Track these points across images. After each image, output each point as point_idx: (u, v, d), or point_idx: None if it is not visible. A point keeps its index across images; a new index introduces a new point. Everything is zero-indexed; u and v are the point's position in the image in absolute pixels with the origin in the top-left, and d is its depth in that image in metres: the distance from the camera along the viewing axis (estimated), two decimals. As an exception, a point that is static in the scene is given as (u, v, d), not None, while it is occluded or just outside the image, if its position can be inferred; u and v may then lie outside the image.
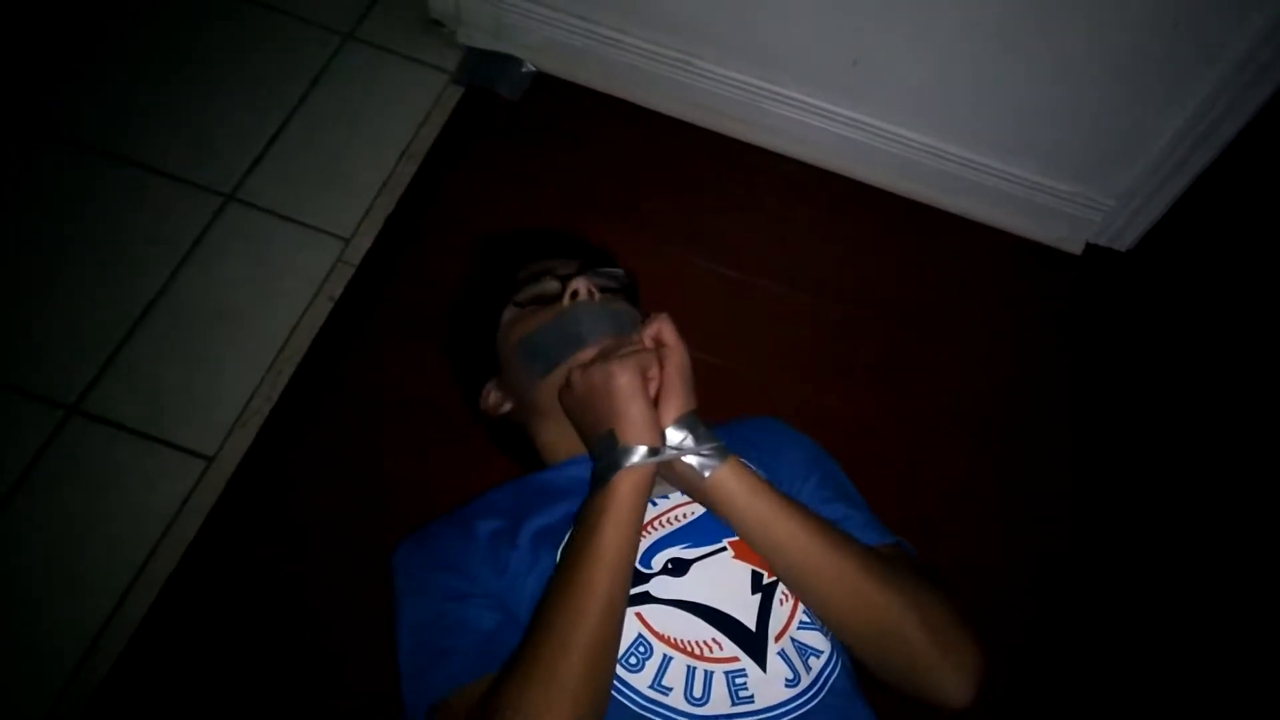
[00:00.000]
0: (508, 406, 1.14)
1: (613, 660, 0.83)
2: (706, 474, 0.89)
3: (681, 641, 0.89)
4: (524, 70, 1.75)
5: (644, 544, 0.94)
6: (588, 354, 1.00)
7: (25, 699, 1.16)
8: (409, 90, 1.72)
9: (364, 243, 1.55)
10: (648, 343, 0.95)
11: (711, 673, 0.87)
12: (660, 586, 0.91)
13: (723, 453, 0.90)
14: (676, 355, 0.93)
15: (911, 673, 0.88)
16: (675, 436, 0.89)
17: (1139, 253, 1.74)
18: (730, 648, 0.89)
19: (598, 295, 1.06)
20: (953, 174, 1.67)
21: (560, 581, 0.85)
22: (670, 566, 0.93)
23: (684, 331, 1.47)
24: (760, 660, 0.89)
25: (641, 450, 0.87)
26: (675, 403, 0.90)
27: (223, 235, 1.52)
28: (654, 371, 0.92)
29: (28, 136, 1.56)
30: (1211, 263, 1.78)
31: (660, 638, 0.89)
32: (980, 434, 1.54)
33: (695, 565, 0.92)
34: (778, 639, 0.90)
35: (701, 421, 0.91)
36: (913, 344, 1.60)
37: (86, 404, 1.35)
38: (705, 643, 0.89)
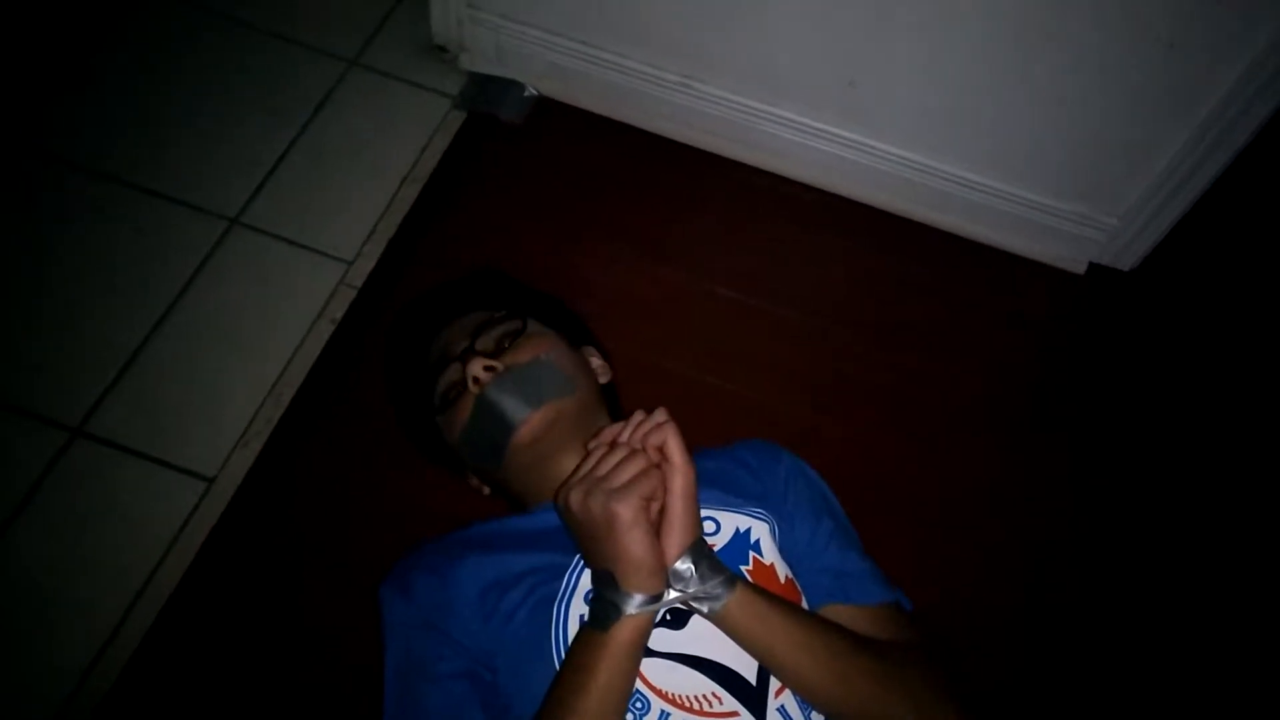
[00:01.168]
0: (487, 490, 1.16)
1: None
2: (713, 611, 0.85)
3: (680, 697, 0.87)
4: (525, 94, 1.77)
5: None
6: (529, 426, 0.99)
7: (28, 716, 1.17)
8: (412, 115, 1.74)
9: (366, 266, 1.56)
10: (651, 454, 0.86)
11: None
12: (659, 640, 0.90)
13: (730, 583, 0.84)
14: (682, 478, 0.85)
15: None
16: (683, 572, 0.84)
17: (1142, 272, 1.73)
18: (730, 702, 0.87)
19: (499, 365, 1.02)
20: (952, 194, 1.67)
21: (552, 713, 0.83)
22: (669, 618, 0.91)
23: (681, 352, 1.52)
24: (760, 715, 0.88)
25: (640, 599, 0.82)
26: (680, 535, 0.84)
27: (227, 259, 1.54)
28: (658, 492, 0.85)
29: (33, 160, 1.59)
30: (1216, 281, 1.77)
31: (658, 693, 0.88)
32: (981, 454, 1.53)
33: (695, 617, 0.91)
34: (778, 694, 0.89)
35: (707, 551, 0.86)
36: (913, 365, 1.60)
37: (90, 426, 1.37)
38: (704, 697, 0.88)
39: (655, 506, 0.85)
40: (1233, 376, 1.66)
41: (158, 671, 1.21)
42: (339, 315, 1.51)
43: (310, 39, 1.79)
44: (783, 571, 0.98)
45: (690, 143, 1.75)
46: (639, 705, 0.87)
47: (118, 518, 1.31)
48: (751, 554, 0.97)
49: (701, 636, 0.90)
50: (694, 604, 0.85)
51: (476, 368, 1.01)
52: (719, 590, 0.84)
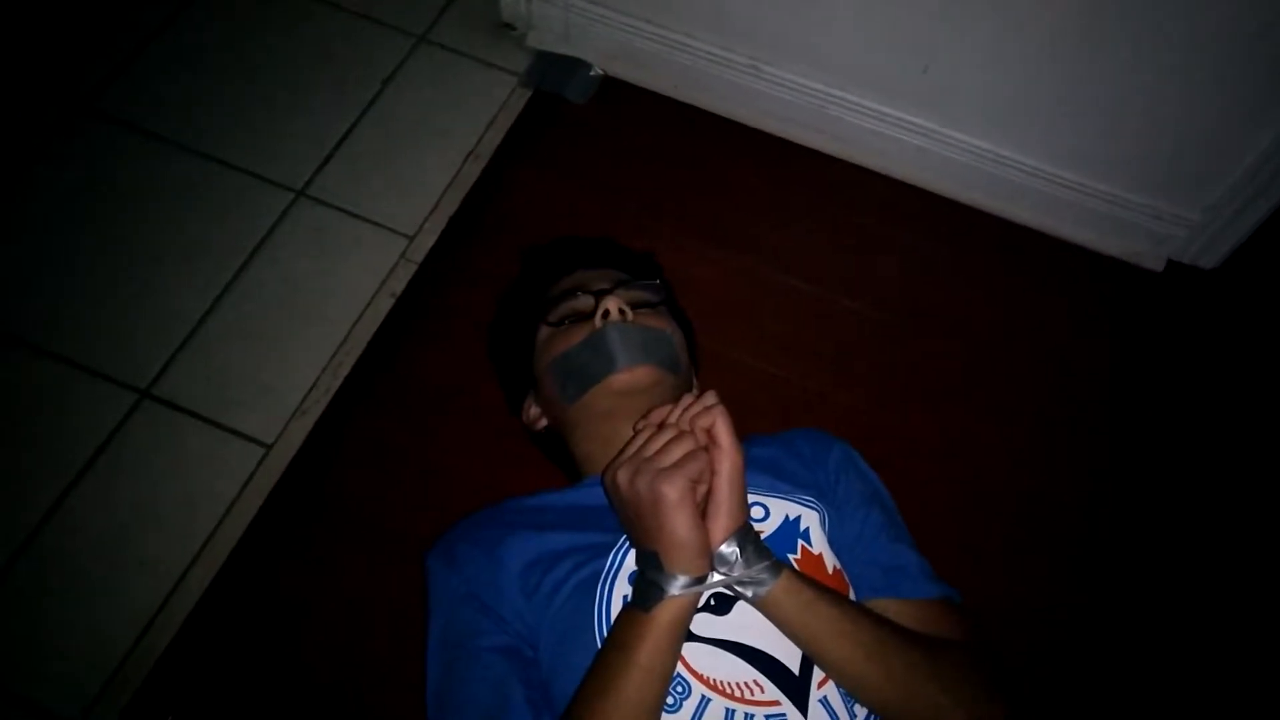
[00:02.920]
0: (544, 422, 1.14)
1: None
2: (758, 597, 0.84)
3: (721, 683, 0.87)
4: (592, 74, 1.76)
5: None
6: (631, 374, 1.00)
7: (85, 671, 1.21)
8: (478, 92, 1.74)
9: (427, 241, 1.57)
10: (699, 436, 0.86)
11: (751, 716, 0.85)
12: (703, 624, 0.89)
13: (775, 569, 0.84)
14: (729, 461, 0.84)
15: None
16: (728, 556, 0.83)
17: (1225, 271, 1.65)
18: (772, 691, 0.86)
19: (630, 314, 1.03)
20: (1024, 184, 1.62)
21: (588, 695, 0.83)
22: (713, 603, 0.90)
23: (741, 340, 1.50)
24: (802, 706, 0.86)
25: (685, 580, 0.82)
26: (727, 518, 0.84)
27: (291, 230, 1.56)
28: (705, 476, 0.84)
29: (104, 127, 1.62)
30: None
31: (699, 678, 0.87)
32: (1051, 451, 1.49)
33: (740, 602, 0.90)
34: (821, 685, 0.88)
35: (753, 533, 0.86)
36: (979, 360, 1.56)
37: (157, 389, 1.40)
38: (746, 684, 0.87)
39: (702, 489, 0.85)
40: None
41: (212, 630, 1.25)
42: (399, 289, 1.52)
43: (380, 14, 1.80)
44: (831, 562, 0.96)
45: (757, 126, 1.73)
46: (679, 689, 0.86)
47: (180, 479, 1.34)
48: (800, 543, 0.96)
49: (746, 624, 0.89)
50: (738, 588, 0.85)
51: (613, 304, 1.03)
52: (764, 575, 0.84)
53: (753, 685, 0.86)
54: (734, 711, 0.85)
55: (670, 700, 0.85)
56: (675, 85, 1.74)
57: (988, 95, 1.54)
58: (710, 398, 0.88)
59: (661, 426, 0.89)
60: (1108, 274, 1.67)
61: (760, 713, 0.85)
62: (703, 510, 0.84)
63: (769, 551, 0.85)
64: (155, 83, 1.68)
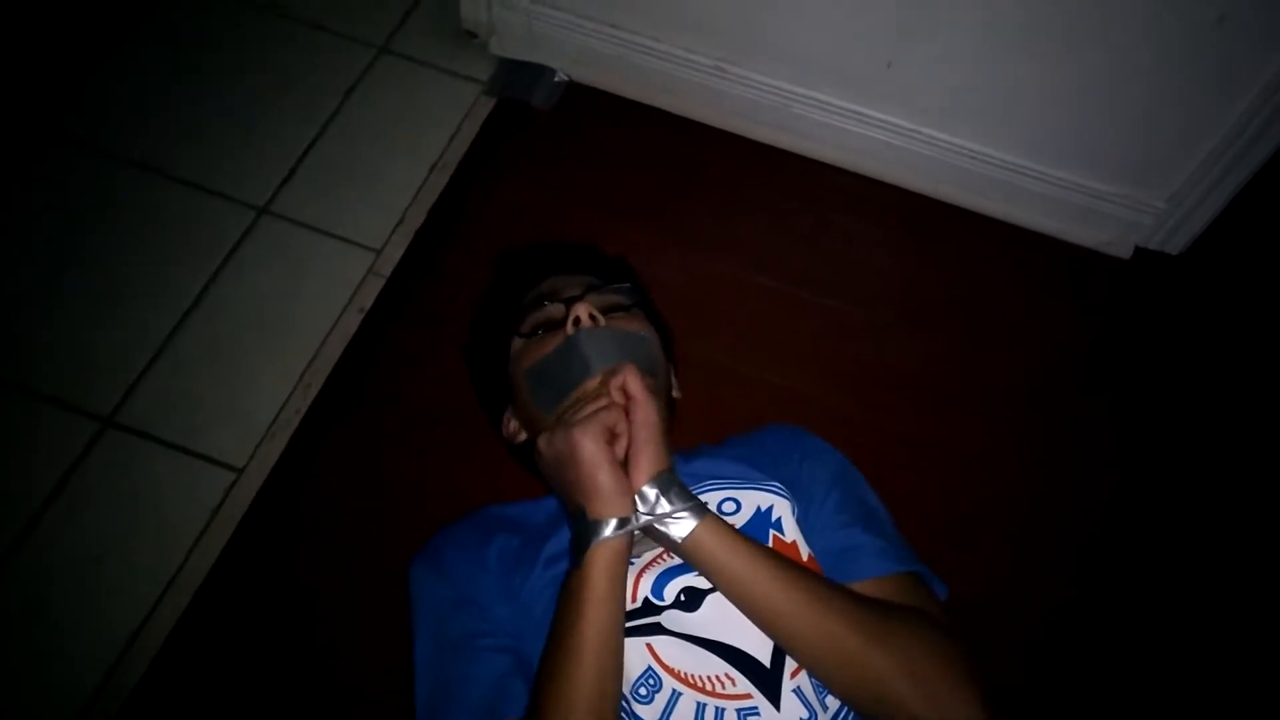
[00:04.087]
0: (524, 435, 1.12)
1: (614, 709, 0.83)
2: (681, 537, 0.85)
3: (692, 676, 0.87)
4: (556, 80, 1.75)
5: (655, 573, 0.92)
6: (593, 383, 0.98)
7: (57, 706, 1.17)
8: (442, 101, 1.72)
9: (395, 254, 1.55)
10: (614, 395, 0.91)
11: (723, 709, 0.85)
12: (672, 620, 0.89)
13: (699, 510, 0.86)
14: (643, 410, 0.88)
15: None
16: (648, 497, 0.86)
17: (1191, 255, 1.67)
18: (744, 684, 0.86)
19: (602, 320, 1.02)
20: (993, 177, 1.62)
21: (550, 661, 0.84)
22: (683, 599, 0.90)
23: (717, 339, 1.49)
24: (774, 698, 0.86)
25: (611, 524, 0.84)
26: (646, 463, 0.87)
27: (256, 248, 1.53)
28: (621, 427, 0.88)
29: (61, 146, 1.59)
30: (1268, 263, 1.70)
31: (670, 672, 0.87)
32: (1025, 441, 1.49)
33: (709, 598, 0.90)
34: (793, 675, 0.87)
35: (675, 479, 0.88)
36: (952, 352, 1.56)
37: (121, 416, 1.37)
38: (717, 678, 0.87)
39: (622, 443, 0.88)
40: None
41: (187, 660, 1.21)
42: (367, 305, 1.50)
43: (339, 26, 1.78)
44: (805, 551, 0.96)
45: (724, 127, 1.72)
46: (651, 682, 0.86)
47: (149, 507, 1.31)
48: (772, 532, 0.96)
49: (716, 618, 0.89)
50: (661, 528, 0.85)
51: (583, 310, 1.01)
52: (685, 514, 0.85)
53: (724, 679, 0.86)
54: (705, 705, 0.85)
55: (643, 693, 0.86)
56: (640, 88, 1.72)
57: (953, 89, 1.54)
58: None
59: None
60: (1078, 263, 1.68)
61: (732, 706, 0.85)
62: (625, 463, 0.87)
63: (693, 496, 0.87)
64: (109, 103, 1.65)
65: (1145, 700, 1.30)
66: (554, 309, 1.06)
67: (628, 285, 1.13)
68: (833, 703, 0.87)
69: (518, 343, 1.07)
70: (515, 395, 1.09)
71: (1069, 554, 1.40)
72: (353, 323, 1.48)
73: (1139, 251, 1.68)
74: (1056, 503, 1.44)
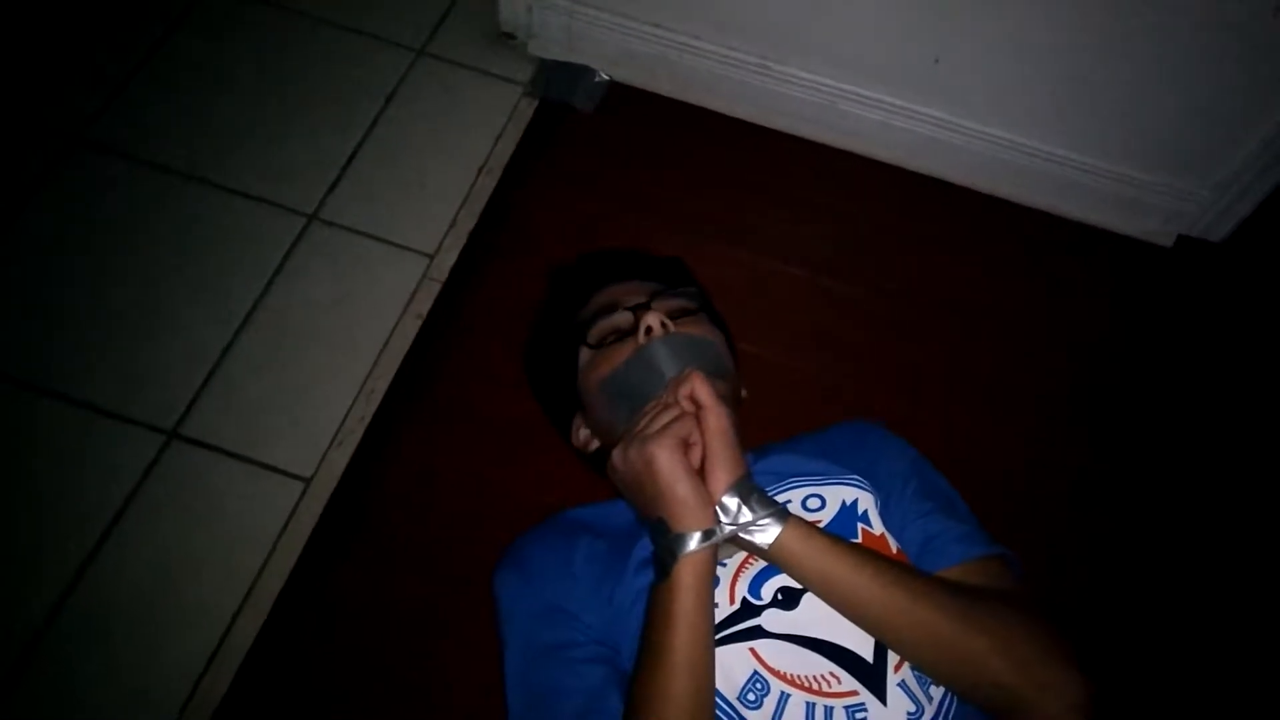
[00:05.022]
0: (596, 444, 1.12)
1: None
2: (767, 544, 0.86)
3: (798, 677, 0.87)
4: (598, 80, 1.74)
5: (750, 574, 0.93)
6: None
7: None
8: (483, 104, 1.72)
9: (448, 259, 1.54)
10: (684, 404, 0.90)
11: (832, 708, 0.85)
12: (772, 620, 0.90)
13: (781, 515, 0.86)
14: (715, 417, 0.87)
15: (1009, 709, 0.85)
16: (730, 506, 0.86)
17: (1233, 243, 1.69)
18: (849, 681, 0.87)
19: (672, 326, 1.02)
20: (1038, 170, 1.64)
21: (643, 676, 0.84)
22: (780, 598, 0.91)
23: (764, 337, 1.49)
24: (880, 693, 0.86)
25: (696, 536, 0.84)
26: (723, 471, 0.86)
27: (307, 255, 1.53)
28: (695, 437, 0.88)
29: (103, 158, 1.57)
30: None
31: (776, 674, 0.87)
32: (1068, 433, 1.50)
33: (806, 596, 0.90)
34: (897, 669, 0.88)
35: (754, 485, 0.88)
36: (998, 345, 1.57)
37: (184, 429, 1.36)
38: (823, 677, 0.87)
39: (696, 452, 0.88)
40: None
41: (271, 670, 1.21)
42: (424, 310, 1.49)
43: (375, 29, 1.77)
44: (894, 543, 0.96)
45: (769, 125, 1.72)
46: (759, 687, 0.86)
47: (219, 520, 1.30)
48: (860, 526, 0.96)
49: (816, 617, 0.89)
50: (746, 536, 0.85)
51: (654, 319, 1.01)
52: (769, 520, 0.85)
53: (829, 677, 0.87)
54: (814, 705, 0.85)
55: (751, 698, 0.86)
56: (683, 87, 1.73)
57: (999, 84, 1.55)
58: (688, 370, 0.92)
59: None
60: (1122, 252, 1.70)
61: (840, 704, 0.86)
62: (700, 471, 0.87)
63: (774, 501, 0.87)
64: (148, 111, 1.63)
65: (1149, 696, 1.31)
66: (622, 318, 1.06)
67: (693, 289, 1.13)
68: (936, 693, 0.88)
69: (586, 353, 1.07)
70: (587, 405, 1.09)
71: (1106, 541, 1.42)
72: (411, 328, 1.47)
73: (1181, 239, 1.70)
74: (1099, 488, 1.46)
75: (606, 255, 1.26)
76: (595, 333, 1.07)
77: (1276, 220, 1.64)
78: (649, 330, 1.01)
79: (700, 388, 0.89)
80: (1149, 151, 1.58)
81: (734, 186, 1.68)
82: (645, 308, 1.04)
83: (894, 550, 0.96)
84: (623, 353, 1.02)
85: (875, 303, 1.58)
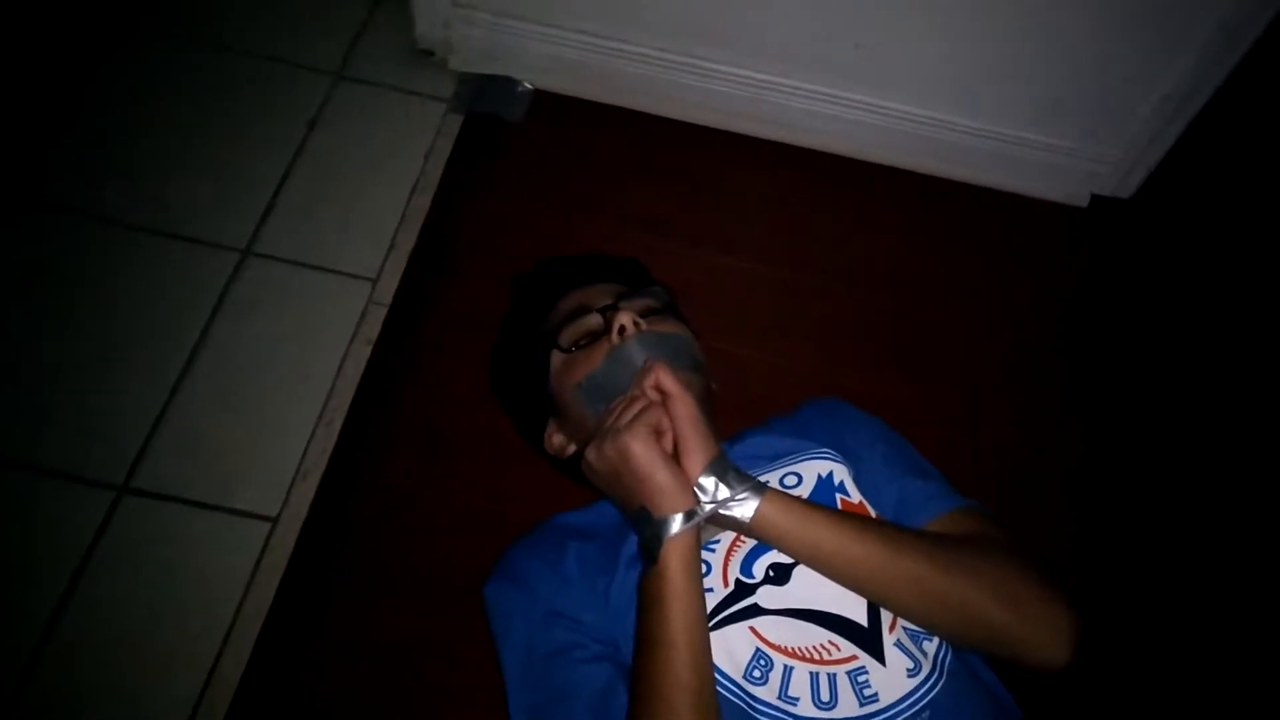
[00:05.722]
0: (573, 448, 1.12)
1: (713, 699, 0.84)
2: (749, 517, 0.87)
3: (799, 649, 0.89)
4: (522, 90, 1.74)
5: (741, 554, 0.94)
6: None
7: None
8: (409, 123, 1.70)
9: (392, 282, 1.52)
10: (650, 395, 0.91)
11: (835, 675, 0.87)
12: (767, 597, 0.91)
13: (759, 489, 0.87)
14: (683, 403, 0.89)
15: (1007, 650, 0.89)
16: (707, 486, 0.87)
17: (1141, 198, 1.77)
18: (848, 647, 0.89)
19: (644, 325, 1.02)
20: (962, 144, 1.70)
21: (644, 661, 0.84)
22: (772, 574, 0.92)
23: (724, 330, 1.51)
24: (878, 655, 0.88)
25: (678, 518, 0.85)
26: (697, 453, 0.88)
27: (246, 292, 1.48)
28: (665, 424, 0.89)
29: (32, 213, 1.51)
30: (1214, 197, 1.82)
31: (777, 649, 0.89)
32: (1021, 394, 1.56)
33: (795, 570, 0.92)
34: (891, 630, 0.90)
35: (730, 463, 0.89)
36: (935, 315, 1.62)
37: (136, 481, 1.30)
38: (822, 646, 0.89)
39: (668, 439, 0.89)
40: (1234, 284, 1.73)
41: (261, 711, 1.18)
42: (374, 335, 1.46)
43: (290, 55, 1.73)
44: (872, 510, 0.99)
45: (699, 122, 1.74)
46: (762, 663, 0.88)
47: (185, 572, 1.25)
48: (839, 496, 0.99)
49: (807, 589, 0.91)
50: (727, 513, 0.87)
51: (626, 318, 1.01)
52: (747, 494, 0.87)
53: (828, 646, 0.89)
54: (818, 674, 0.87)
55: (757, 675, 0.87)
56: (613, 91, 1.74)
57: (919, 63, 1.60)
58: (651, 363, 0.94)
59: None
60: (1043, 216, 1.77)
61: (841, 670, 0.87)
62: (675, 455, 0.88)
63: (749, 476, 0.88)
64: (75, 163, 1.57)
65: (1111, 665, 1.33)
66: (592, 320, 1.06)
67: (658, 288, 1.14)
68: (930, 647, 0.91)
69: (559, 358, 1.07)
70: (562, 410, 1.09)
71: (1051, 497, 1.47)
72: (363, 354, 1.44)
73: (1095, 199, 1.78)
74: (1042, 449, 1.51)
75: (568, 260, 1.25)
76: (567, 337, 1.07)
77: (1178, 173, 1.74)
78: (622, 330, 1.01)
79: (664, 376, 0.90)
80: (1060, 117, 1.65)
81: (673, 185, 1.70)
82: (615, 309, 1.04)
83: (872, 516, 0.98)
84: (597, 354, 1.02)
85: (825, 286, 1.61)
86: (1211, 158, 1.80)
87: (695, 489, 0.87)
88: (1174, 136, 1.66)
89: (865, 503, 0.99)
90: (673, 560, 0.85)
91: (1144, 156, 1.70)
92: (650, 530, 0.86)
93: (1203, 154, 1.74)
